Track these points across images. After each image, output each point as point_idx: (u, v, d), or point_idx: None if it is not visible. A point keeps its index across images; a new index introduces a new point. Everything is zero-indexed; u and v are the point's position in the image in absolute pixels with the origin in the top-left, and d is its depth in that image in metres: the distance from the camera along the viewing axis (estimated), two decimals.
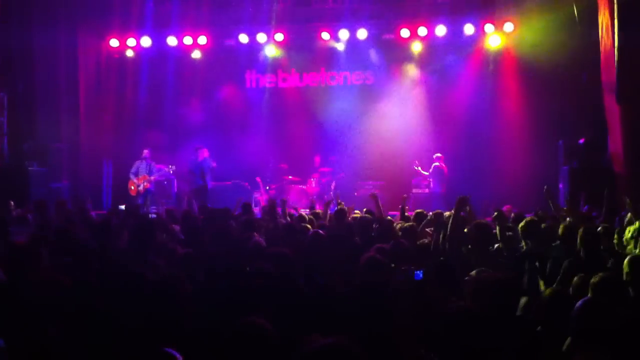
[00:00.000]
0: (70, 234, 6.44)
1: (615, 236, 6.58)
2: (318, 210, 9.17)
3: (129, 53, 15.63)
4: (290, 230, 6.93)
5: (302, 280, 4.66)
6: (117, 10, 15.11)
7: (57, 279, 4.03)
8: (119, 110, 15.96)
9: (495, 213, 7.63)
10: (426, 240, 6.22)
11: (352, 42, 14.80)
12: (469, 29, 14.01)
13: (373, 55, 15.27)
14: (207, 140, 14.77)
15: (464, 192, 6.43)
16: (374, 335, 3.30)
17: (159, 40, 15.28)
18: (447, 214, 6.99)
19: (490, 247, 6.07)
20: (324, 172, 14.91)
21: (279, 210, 8.46)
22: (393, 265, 4.75)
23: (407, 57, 15.09)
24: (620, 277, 4.44)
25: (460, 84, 14.70)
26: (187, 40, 15.13)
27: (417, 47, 14.82)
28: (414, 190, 14.24)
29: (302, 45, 15.31)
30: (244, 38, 14.93)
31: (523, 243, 6.24)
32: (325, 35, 14.69)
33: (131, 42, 15.35)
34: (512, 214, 8.32)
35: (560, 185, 12.50)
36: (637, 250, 6.09)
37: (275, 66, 15.87)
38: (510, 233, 6.50)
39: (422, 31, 14.14)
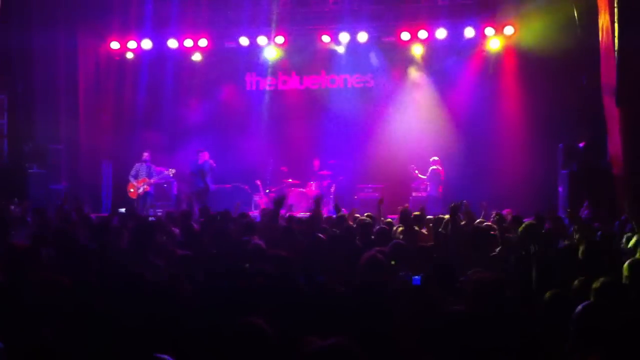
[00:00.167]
0: (70, 234, 6.44)
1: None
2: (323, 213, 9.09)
3: (129, 55, 15.63)
4: (289, 233, 6.91)
5: (302, 280, 4.66)
6: (116, 11, 15.13)
7: (57, 280, 4.02)
8: (119, 112, 15.98)
9: (496, 216, 7.64)
10: (426, 243, 6.23)
11: (353, 44, 14.80)
12: (469, 32, 14.01)
13: (373, 58, 15.27)
14: (207, 142, 14.77)
15: (464, 194, 6.48)
16: (373, 335, 3.30)
17: (159, 43, 15.29)
18: (446, 217, 7.02)
19: (493, 252, 6.06)
20: (324, 175, 14.89)
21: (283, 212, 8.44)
22: (393, 262, 4.76)
23: (408, 60, 15.10)
24: (621, 280, 4.44)
25: (461, 87, 14.71)
26: (188, 42, 15.14)
27: (417, 50, 14.84)
28: (414, 194, 14.23)
29: (303, 48, 15.30)
30: (244, 40, 14.94)
31: (523, 246, 6.23)
32: (325, 38, 14.69)
33: (132, 44, 15.35)
34: (511, 217, 8.32)
35: (560, 189, 12.50)
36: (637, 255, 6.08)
37: (276, 68, 15.88)
38: (509, 235, 6.51)
39: (423, 34, 14.15)
